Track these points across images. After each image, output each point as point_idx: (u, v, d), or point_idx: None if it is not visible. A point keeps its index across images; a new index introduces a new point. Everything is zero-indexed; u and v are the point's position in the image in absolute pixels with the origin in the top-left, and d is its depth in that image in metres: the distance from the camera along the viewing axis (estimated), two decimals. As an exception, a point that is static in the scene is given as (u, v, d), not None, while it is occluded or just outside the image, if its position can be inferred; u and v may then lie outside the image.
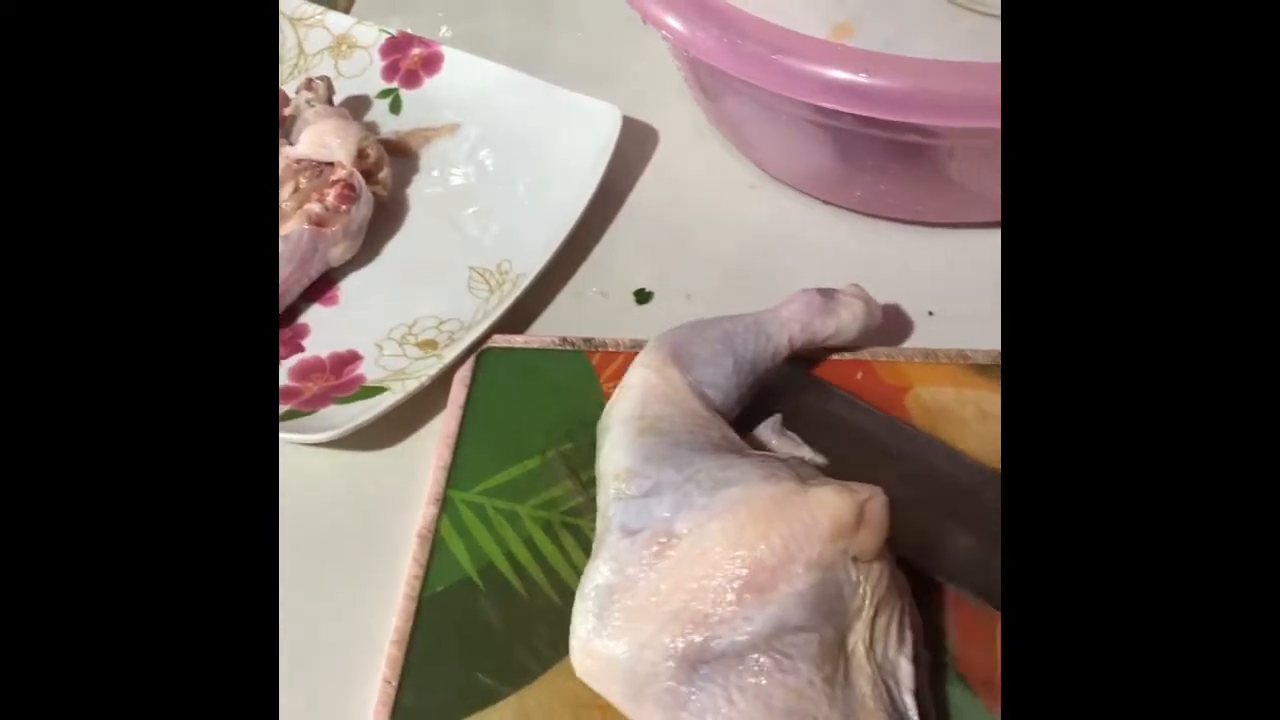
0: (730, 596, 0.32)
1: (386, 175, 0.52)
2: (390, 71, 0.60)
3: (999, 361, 0.43)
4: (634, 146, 0.55)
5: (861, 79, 0.41)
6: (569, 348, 0.46)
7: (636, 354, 0.42)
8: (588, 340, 0.46)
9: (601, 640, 0.33)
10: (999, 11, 0.42)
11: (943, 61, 0.41)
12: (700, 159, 0.56)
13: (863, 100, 0.41)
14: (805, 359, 0.44)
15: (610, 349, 0.45)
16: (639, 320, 0.49)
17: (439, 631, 0.38)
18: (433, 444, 0.44)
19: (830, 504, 0.32)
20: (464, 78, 0.58)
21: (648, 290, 0.50)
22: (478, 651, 0.37)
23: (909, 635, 0.34)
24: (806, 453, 0.40)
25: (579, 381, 0.45)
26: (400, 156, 0.56)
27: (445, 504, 0.41)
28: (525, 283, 0.47)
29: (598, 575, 0.34)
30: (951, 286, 0.47)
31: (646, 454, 0.36)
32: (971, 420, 0.41)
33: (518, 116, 0.56)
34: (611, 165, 0.51)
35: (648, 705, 0.33)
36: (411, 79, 0.59)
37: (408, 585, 0.39)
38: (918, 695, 0.33)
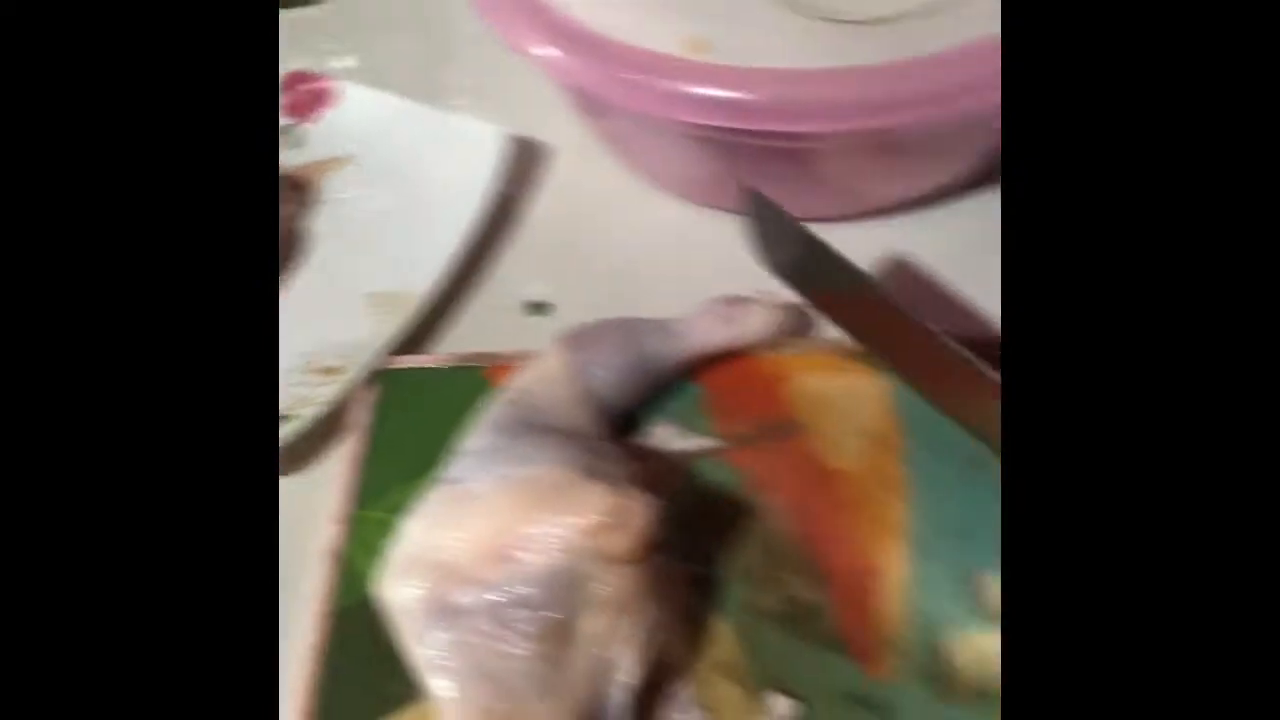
0: (483, 562, 0.35)
1: (290, 212, 0.54)
2: (290, 109, 0.61)
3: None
4: (526, 164, 0.58)
5: (728, 94, 0.43)
6: (466, 364, 0.48)
7: (531, 365, 0.45)
8: (483, 355, 0.48)
9: (390, 575, 0.37)
10: (848, 17, 0.44)
11: (800, 69, 0.43)
12: (592, 174, 0.58)
13: (727, 113, 0.44)
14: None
15: (504, 362, 0.47)
16: (536, 332, 0.50)
17: (351, 645, 0.39)
18: (337, 467, 0.45)
19: (592, 501, 0.35)
20: (359, 108, 0.60)
21: (543, 302, 0.52)
22: (389, 661, 0.38)
23: (649, 643, 0.36)
24: (703, 442, 0.43)
25: (477, 396, 0.46)
26: (300, 191, 0.57)
27: (352, 523, 0.43)
28: (420, 303, 0.49)
29: (413, 518, 0.38)
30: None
31: (495, 420, 0.40)
32: (846, 404, 0.44)
33: (409, 144, 0.58)
34: (504, 182, 0.53)
35: (406, 639, 0.36)
36: (309, 114, 0.61)
37: (318, 604, 0.40)
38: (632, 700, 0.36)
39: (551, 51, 0.46)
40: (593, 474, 0.36)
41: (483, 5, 0.50)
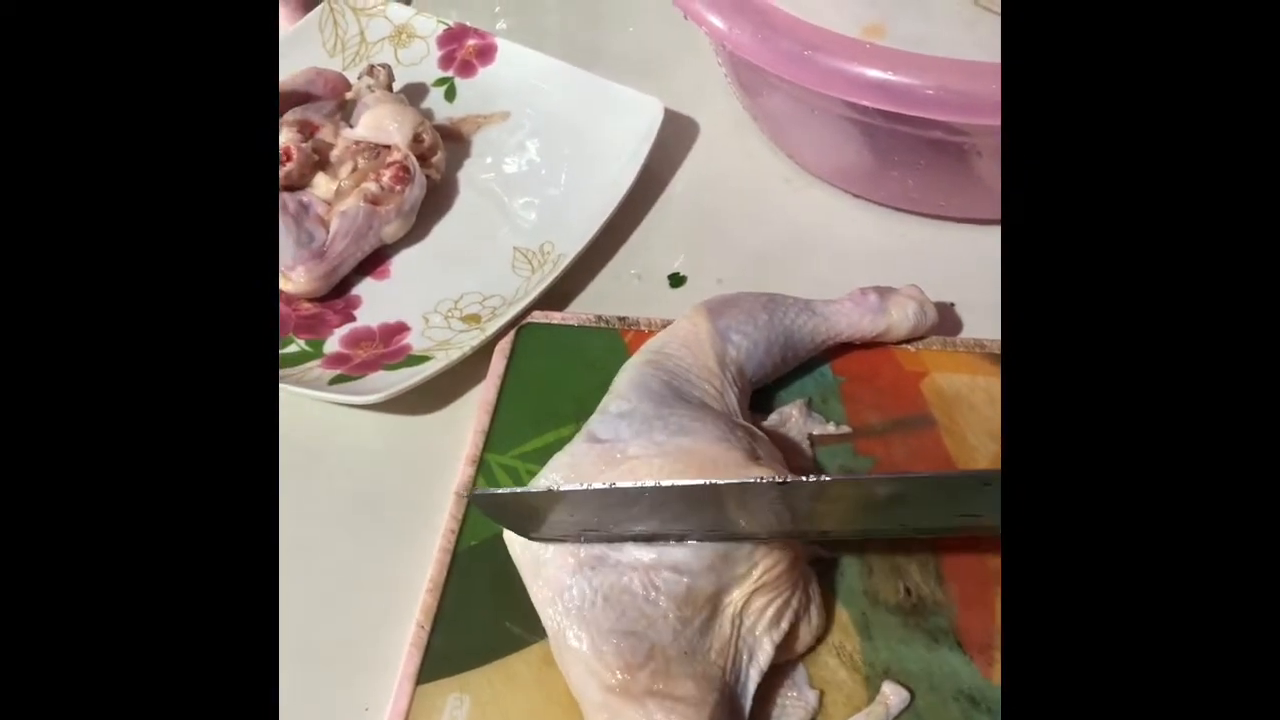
0: None
1: (440, 159, 0.55)
2: (446, 61, 0.63)
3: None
4: (675, 138, 0.58)
5: (891, 77, 0.43)
6: (604, 325, 0.48)
7: (668, 332, 0.45)
8: (622, 319, 0.48)
9: None
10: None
11: (968, 61, 0.42)
12: (738, 152, 0.58)
13: (892, 97, 0.43)
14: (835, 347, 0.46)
15: (643, 328, 0.48)
16: (672, 302, 0.51)
17: (471, 582, 0.40)
18: (471, 410, 0.47)
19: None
20: (516, 69, 0.61)
21: (681, 274, 0.52)
22: (506, 602, 0.39)
23: (784, 624, 0.36)
24: (831, 428, 0.43)
25: (613, 356, 0.47)
26: (453, 142, 0.58)
27: (481, 465, 0.44)
28: (565, 263, 0.50)
29: (554, 467, 0.39)
30: (972, 279, 0.49)
31: (640, 382, 0.41)
32: (981, 405, 0.43)
33: (565, 107, 0.59)
34: (652, 155, 0.54)
35: (538, 583, 0.37)
36: (466, 68, 0.62)
37: (444, 539, 0.42)
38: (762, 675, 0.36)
39: (722, 19, 0.47)
40: (756, 458, 0.36)
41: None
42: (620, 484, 0.35)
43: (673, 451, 0.37)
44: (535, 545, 0.38)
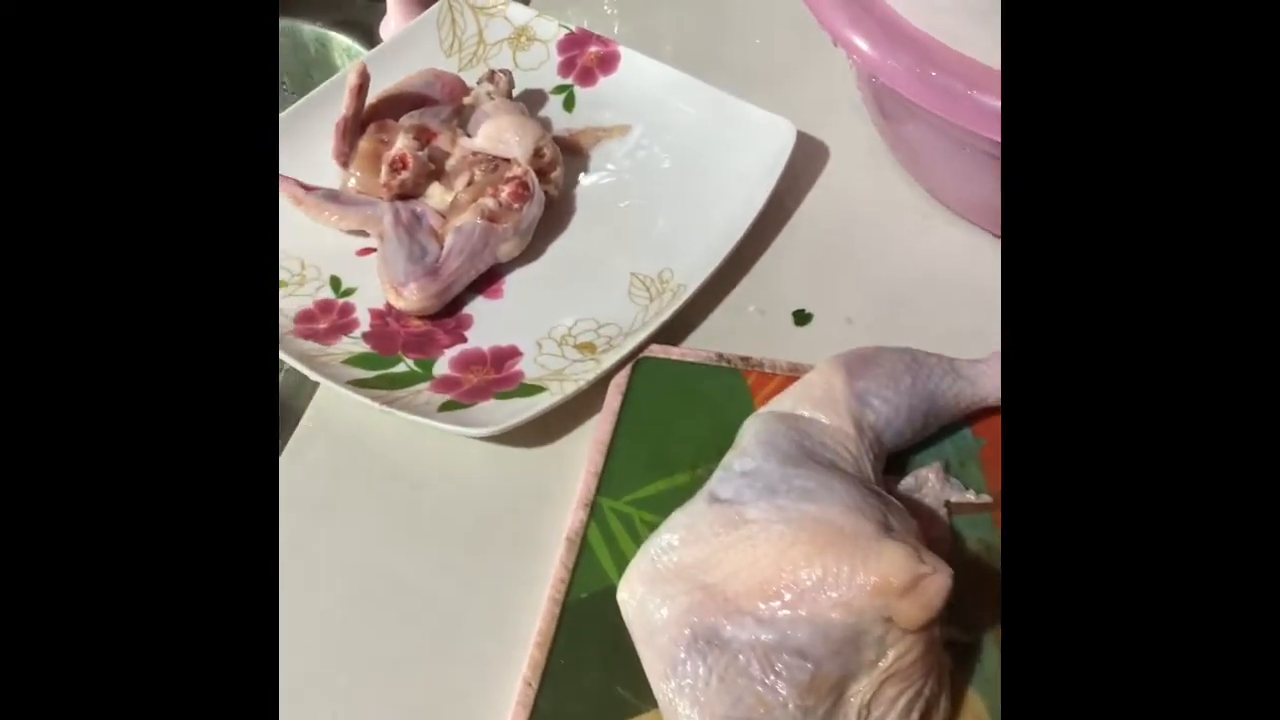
0: (756, 595, 0.34)
1: (559, 175, 0.53)
2: (566, 68, 0.61)
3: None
4: (802, 161, 0.55)
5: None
6: (725, 364, 0.46)
7: (793, 377, 0.43)
8: (745, 359, 0.46)
9: (643, 581, 0.36)
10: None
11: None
12: (871, 180, 0.55)
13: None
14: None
15: (767, 370, 0.45)
16: (796, 342, 0.48)
17: (581, 638, 0.38)
18: (582, 446, 0.45)
19: (887, 562, 0.33)
20: (638, 79, 0.59)
21: (807, 312, 0.49)
22: (618, 663, 0.37)
23: (915, 716, 0.34)
24: (970, 495, 0.40)
25: (733, 400, 0.45)
26: (571, 155, 0.56)
27: (594, 510, 0.42)
28: (686, 295, 0.48)
29: (671, 524, 0.37)
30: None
31: (768, 439, 0.38)
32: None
33: (689, 123, 0.56)
34: (779, 180, 0.51)
35: (650, 651, 0.35)
36: (586, 76, 0.60)
37: (553, 588, 0.40)
38: None
39: (874, 48, 0.44)
40: (888, 530, 0.33)
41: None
42: None
43: (796, 519, 0.35)
44: (649, 609, 0.36)
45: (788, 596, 0.33)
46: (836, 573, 0.33)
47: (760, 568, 0.34)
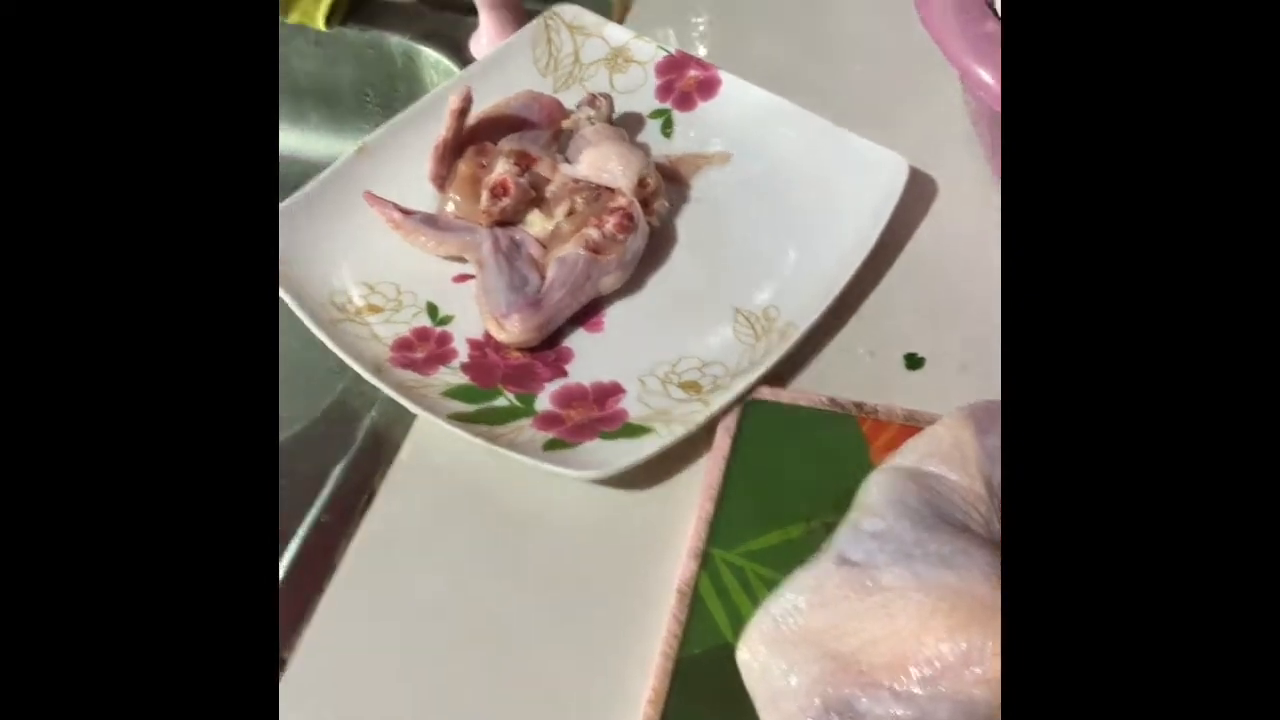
0: (894, 669, 0.32)
1: (662, 206, 0.52)
2: (664, 91, 0.59)
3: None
4: (912, 196, 0.53)
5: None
6: (838, 410, 0.44)
7: (910, 427, 0.42)
8: (859, 405, 0.44)
9: (766, 643, 0.35)
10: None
11: None
12: (981, 218, 0.53)
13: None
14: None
15: (882, 417, 0.44)
16: (908, 387, 0.47)
17: (695, 697, 0.37)
18: (687, 490, 0.43)
19: None
20: (739, 106, 0.57)
21: (919, 356, 0.48)
22: (734, 726, 0.36)
23: None
24: None
25: (848, 448, 0.43)
26: (671, 183, 0.55)
27: (706, 560, 0.40)
28: (796, 335, 0.46)
29: (796, 585, 0.35)
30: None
31: (897, 498, 0.37)
32: None
33: (793, 154, 0.54)
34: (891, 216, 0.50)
35: (775, 718, 0.34)
36: (685, 101, 0.59)
37: (665, 644, 0.38)
38: None
39: (990, 74, 0.42)
40: None
41: (926, 15, 0.46)
42: None
43: (935, 588, 0.33)
44: (774, 673, 0.34)
45: (928, 672, 0.32)
46: (981, 648, 0.31)
47: (899, 639, 0.32)
